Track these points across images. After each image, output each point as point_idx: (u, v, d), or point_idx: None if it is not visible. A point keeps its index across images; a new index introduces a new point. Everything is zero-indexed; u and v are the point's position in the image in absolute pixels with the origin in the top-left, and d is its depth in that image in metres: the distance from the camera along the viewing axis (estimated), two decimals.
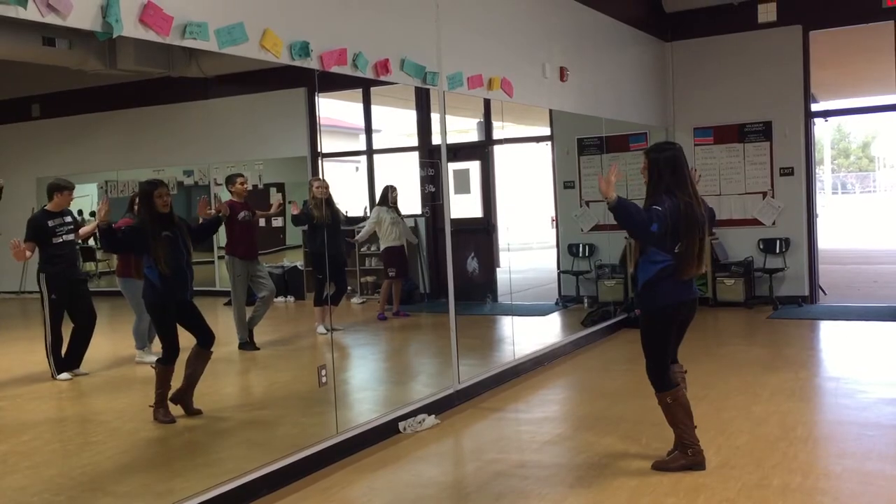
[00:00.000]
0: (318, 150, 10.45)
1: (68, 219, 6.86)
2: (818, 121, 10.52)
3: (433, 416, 5.53)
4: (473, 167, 10.82)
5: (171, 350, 5.41)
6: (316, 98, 5.28)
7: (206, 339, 5.55)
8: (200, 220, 5.91)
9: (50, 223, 6.68)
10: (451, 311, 6.14)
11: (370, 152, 11.46)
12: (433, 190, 10.04)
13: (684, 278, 4.28)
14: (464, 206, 10.14)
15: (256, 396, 6.25)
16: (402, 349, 8.75)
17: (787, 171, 9.89)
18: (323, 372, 5.03)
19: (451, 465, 5.05)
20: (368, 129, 11.42)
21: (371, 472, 4.67)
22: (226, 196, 12.05)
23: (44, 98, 12.81)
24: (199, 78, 9.84)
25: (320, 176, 9.06)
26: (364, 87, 10.95)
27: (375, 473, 4.65)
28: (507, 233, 9.96)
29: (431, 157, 10.54)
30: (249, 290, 7.80)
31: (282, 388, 6.75)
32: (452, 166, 7.86)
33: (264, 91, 10.96)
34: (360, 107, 11.46)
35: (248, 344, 7.55)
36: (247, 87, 10.63)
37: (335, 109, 11.90)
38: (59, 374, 6.72)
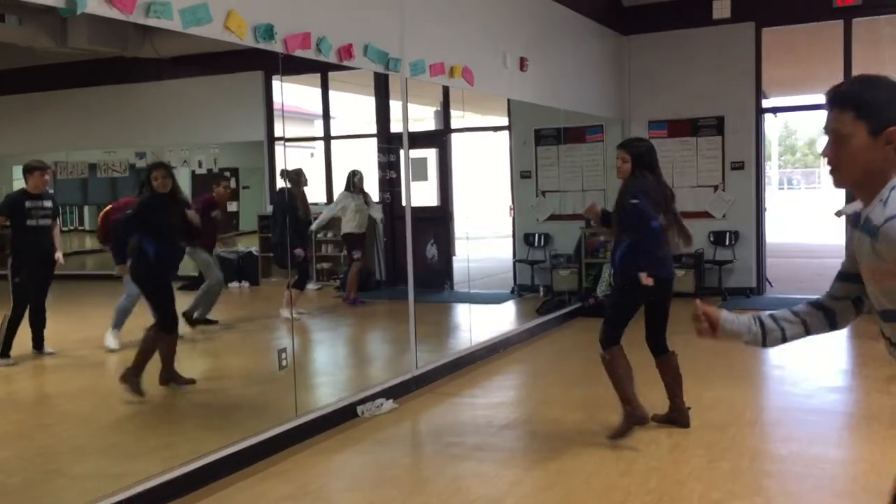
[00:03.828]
0: (281, 134, 10.36)
1: (48, 203, 6.70)
2: (768, 116, 10.76)
3: (391, 400, 5.57)
4: (431, 155, 10.85)
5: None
6: (280, 82, 5.26)
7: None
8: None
9: (27, 204, 6.56)
10: (410, 298, 6.19)
11: (328, 138, 11.41)
12: (393, 176, 10.08)
13: (667, 247, 4.73)
14: (421, 194, 10.16)
15: (214, 379, 6.22)
16: (359, 335, 8.77)
17: (738, 166, 10.12)
18: (283, 355, 5.04)
19: (410, 448, 5.11)
20: (326, 115, 11.36)
21: (330, 454, 4.70)
22: (182, 177, 11.91)
23: None
24: (154, 59, 9.68)
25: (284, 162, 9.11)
26: (322, 72, 10.87)
27: (335, 456, 4.68)
28: (464, 222, 10.03)
29: (390, 144, 10.56)
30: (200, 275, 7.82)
31: (239, 371, 6.73)
32: (410, 154, 7.89)
33: (220, 73, 10.81)
34: (314, 92, 11.38)
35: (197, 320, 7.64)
36: (202, 69, 10.48)
37: (290, 94, 11.80)
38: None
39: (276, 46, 4.71)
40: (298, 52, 4.89)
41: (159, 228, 5.49)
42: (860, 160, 1.79)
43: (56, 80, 11.68)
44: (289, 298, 8.17)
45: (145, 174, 5.68)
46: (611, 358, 4.71)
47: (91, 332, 6.83)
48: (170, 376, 5.71)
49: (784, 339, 2.12)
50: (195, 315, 7.59)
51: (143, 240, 5.49)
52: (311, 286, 10.42)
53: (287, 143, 11.61)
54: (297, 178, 8.38)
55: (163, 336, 5.58)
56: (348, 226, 9.33)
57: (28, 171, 6.69)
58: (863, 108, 1.78)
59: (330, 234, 10.37)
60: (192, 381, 5.80)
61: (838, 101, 1.82)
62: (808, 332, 2.12)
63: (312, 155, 11.93)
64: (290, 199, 8.29)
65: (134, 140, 12.42)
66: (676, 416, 4.87)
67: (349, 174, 9.51)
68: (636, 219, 4.59)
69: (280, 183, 8.61)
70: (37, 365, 6.72)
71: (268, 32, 4.60)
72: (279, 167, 11.57)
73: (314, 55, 5.04)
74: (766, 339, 2.11)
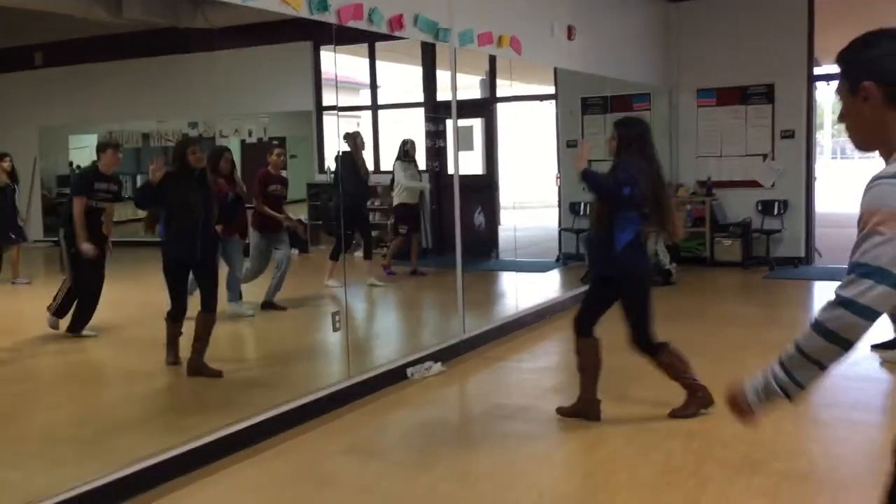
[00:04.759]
0: (332, 104, 10.47)
1: (114, 186, 6.53)
2: (820, 84, 10.59)
3: (440, 363, 5.74)
4: (476, 124, 10.92)
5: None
6: (334, 53, 5.38)
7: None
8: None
9: (96, 185, 6.41)
10: (458, 265, 6.34)
11: (375, 107, 11.54)
12: (441, 145, 10.16)
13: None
14: (466, 163, 10.24)
15: (271, 343, 6.40)
16: (407, 301, 8.95)
17: (788, 134, 10.00)
18: (337, 318, 5.23)
19: (458, 407, 5.28)
20: (374, 85, 11.48)
21: (382, 413, 4.89)
22: (233, 146, 12.13)
23: (47, 47, 12.81)
24: (205, 29, 9.87)
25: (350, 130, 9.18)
26: (370, 42, 10.97)
27: (386, 415, 4.87)
28: (511, 191, 10.10)
29: (437, 113, 10.64)
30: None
31: (295, 335, 6.94)
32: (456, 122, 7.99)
33: (270, 44, 10.97)
34: (361, 62, 11.47)
35: (269, 304, 7.48)
36: (252, 40, 10.63)
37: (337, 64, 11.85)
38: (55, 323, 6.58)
39: (330, 17, 4.84)
40: (351, 23, 5.01)
41: (182, 207, 5.26)
42: (853, 121, 1.72)
43: (110, 52, 11.96)
44: (330, 269, 8.35)
45: (178, 149, 5.40)
46: (666, 358, 4.52)
47: (148, 297, 7.05)
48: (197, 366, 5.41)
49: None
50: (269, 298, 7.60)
51: (162, 219, 5.36)
52: (357, 254, 10.57)
53: (333, 112, 11.79)
54: (353, 141, 8.55)
55: (201, 317, 5.42)
56: (401, 196, 9.24)
57: (101, 149, 6.51)
58: (845, 65, 1.71)
59: (377, 203, 10.50)
60: (219, 374, 5.41)
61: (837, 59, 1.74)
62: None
63: (358, 124, 12.07)
64: (351, 162, 8.44)
65: (186, 110, 12.69)
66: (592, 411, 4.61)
67: (402, 143, 9.43)
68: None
69: (344, 146, 8.69)
70: (95, 328, 6.94)
71: (322, 4, 4.73)
72: (327, 136, 11.77)
73: (366, 26, 5.16)
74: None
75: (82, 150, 14.74)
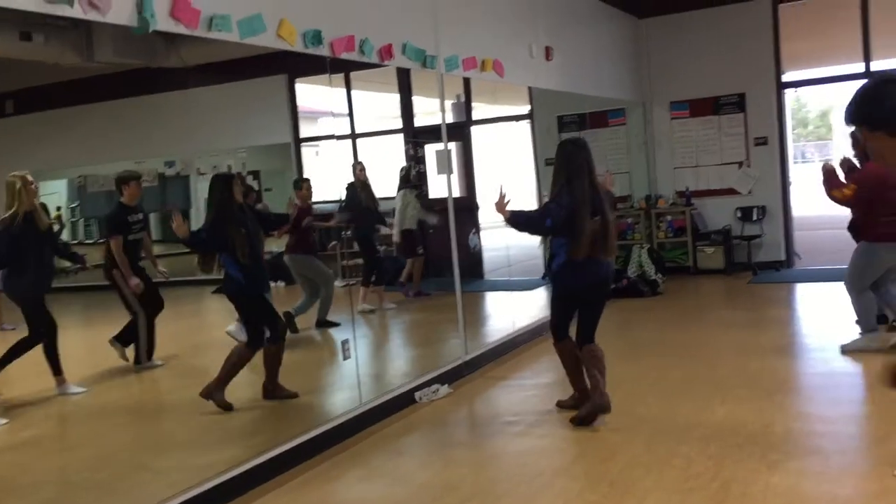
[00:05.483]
0: (306, 135, 10.46)
1: (140, 216, 6.65)
2: (788, 91, 10.82)
3: (446, 385, 5.78)
4: (453, 147, 11.01)
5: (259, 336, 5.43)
6: (329, 86, 5.46)
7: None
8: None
9: (129, 218, 6.53)
10: (457, 287, 6.43)
11: (354, 136, 11.61)
12: (421, 170, 10.25)
13: (578, 258, 4.68)
14: (445, 186, 10.30)
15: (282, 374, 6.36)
16: (404, 326, 8.98)
17: (762, 141, 10.24)
18: (346, 346, 5.26)
19: (470, 428, 5.31)
20: (351, 113, 11.56)
21: (396, 438, 4.91)
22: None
23: (18, 94, 12.74)
24: (179, 68, 9.89)
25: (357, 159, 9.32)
26: (346, 71, 11.06)
27: (401, 439, 4.89)
28: (491, 211, 10.16)
29: (416, 139, 10.74)
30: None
31: (302, 364, 6.95)
32: (434, 147, 8.09)
33: (244, 79, 11.03)
34: (320, 91, 11.54)
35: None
36: (227, 76, 10.69)
37: (302, 94, 11.84)
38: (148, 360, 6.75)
39: (324, 51, 4.91)
40: (344, 55, 5.09)
41: (243, 243, 5.20)
42: None
43: (83, 95, 11.93)
44: (365, 293, 8.60)
45: (221, 184, 5.32)
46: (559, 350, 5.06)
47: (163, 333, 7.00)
48: (272, 390, 5.54)
49: None
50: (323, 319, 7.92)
51: (224, 255, 5.30)
52: (337, 283, 10.49)
53: (308, 143, 11.85)
54: (353, 171, 8.85)
55: (268, 348, 5.46)
56: (408, 223, 9.31)
57: (123, 181, 6.58)
58: (871, 119, 1.97)
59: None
60: (295, 395, 5.54)
61: (848, 120, 2.01)
62: None
63: (317, 153, 12.11)
64: (353, 192, 8.65)
65: (162, 149, 12.67)
66: (599, 400, 4.75)
67: (403, 170, 9.54)
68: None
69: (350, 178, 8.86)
70: (100, 370, 6.92)
71: (316, 38, 4.80)
72: (307, 168, 11.81)
73: (357, 57, 5.24)
74: None
75: (51, 196, 14.63)
